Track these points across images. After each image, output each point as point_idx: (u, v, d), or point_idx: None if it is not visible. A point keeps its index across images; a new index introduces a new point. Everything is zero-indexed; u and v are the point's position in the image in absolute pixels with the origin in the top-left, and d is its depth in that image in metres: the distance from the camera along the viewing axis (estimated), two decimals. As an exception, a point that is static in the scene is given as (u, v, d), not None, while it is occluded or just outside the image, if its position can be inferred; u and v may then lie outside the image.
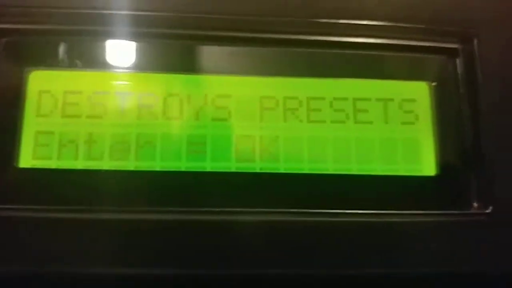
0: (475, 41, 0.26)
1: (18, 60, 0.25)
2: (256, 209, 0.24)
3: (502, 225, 0.24)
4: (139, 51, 0.26)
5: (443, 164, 0.26)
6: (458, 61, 0.26)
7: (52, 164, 0.24)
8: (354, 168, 0.25)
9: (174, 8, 0.25)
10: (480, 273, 0.24)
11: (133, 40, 0.26)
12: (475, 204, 0.25)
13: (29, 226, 0.23)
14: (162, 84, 0.26)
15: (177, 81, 0.26)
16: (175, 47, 0.26)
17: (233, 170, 0.25)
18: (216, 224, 0.23)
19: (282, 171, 0.25)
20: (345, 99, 0.26)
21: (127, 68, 0.26)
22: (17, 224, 0.23)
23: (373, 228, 0.23)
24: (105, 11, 0.25)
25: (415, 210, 0.24)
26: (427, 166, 0.26)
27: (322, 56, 0.27)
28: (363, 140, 0.26)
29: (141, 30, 0.26)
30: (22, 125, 0.24)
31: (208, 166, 0.25)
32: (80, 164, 0.24)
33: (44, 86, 0.25)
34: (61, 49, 0.26)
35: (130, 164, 0.24)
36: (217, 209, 0.24)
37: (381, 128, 0.26)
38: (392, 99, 0.26)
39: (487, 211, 0.24)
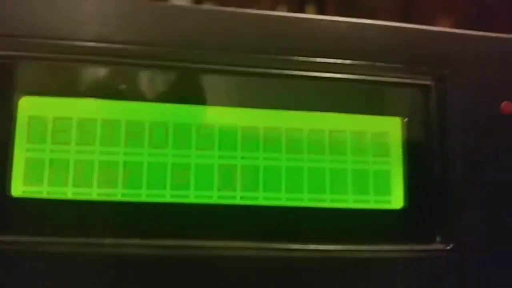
0: (447, 79, 0.28)
1: (9, 86, 0.26)
2: (231, 242, 0.25)
3: (461, 263, 0.26)
4: (128, 80, 0.27)
5: (410, 197, 0.27)
6: (430, 97, 0.28)
7: (43, 191, 0.25)
8: (328, 199, 0.27)
9: (158, 41, 0.26)
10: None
11: (121, 69, 0.27)
12: (438, 240, 0.26)
13: (20, 257, 0.24)
14: (148, 113, 0.27)
15: (162, 110, 0.27)
16: (162, 77, 0.27)
17: (214, 200, 0.26)
18: (193, 257, 0.25)
19: (261, 202, 0.26)
20: (322, 131, 0.28)
21: (115, 96, 0.27)
22: (9, 254, 0.24)
23: (340, 261, 0.25)
24: (92, 43, 0.26)
25: (382, 243, 0.26)
26: (396, 199, 0.27)
27: (302, 90, 0.28)
28: (337, 171, 0.27)
29: (129, 61, 0.27)
30: (13, 152, 0.25)
31: (192, 195, 0.26)
32: (69, 191, 0.25)
33: (34, 112, 0.26)
34: (52, 76, 0.26)
35: (118, 192, 0.26)
36: (193, 242, 0.25)
37: (355, 160, 0.28)
38: (365, 132, 0.28)
39: (448, 247, 0.26)
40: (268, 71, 0.27)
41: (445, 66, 0.28)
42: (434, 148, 0.27)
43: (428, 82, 0.28)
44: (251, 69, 0.27)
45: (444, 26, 0.98)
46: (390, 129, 0.28)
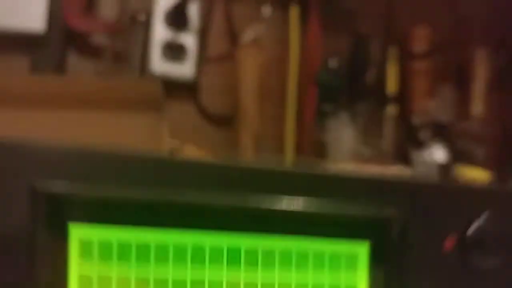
0: (410, 210, 0.29)
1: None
2: None
3: None
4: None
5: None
6: (393, 227, 0.30)
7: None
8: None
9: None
10: None
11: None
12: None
13: None
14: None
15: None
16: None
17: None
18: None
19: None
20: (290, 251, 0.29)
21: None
22: None
23: None
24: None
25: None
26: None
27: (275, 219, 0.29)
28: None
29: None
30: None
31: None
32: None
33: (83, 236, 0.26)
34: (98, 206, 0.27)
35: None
36: None
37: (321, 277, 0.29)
38: (335, 255, 0.29)
39: None
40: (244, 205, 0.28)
41: (406, 196, 0.29)
42: (396, 273, 0.29)
43: (390, 215, 0.29)
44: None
45: (421, 34, 1.02)
46: (359, 253, 0.30)
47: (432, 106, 1.05)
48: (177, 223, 0.26)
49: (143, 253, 0.26)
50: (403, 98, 1.03)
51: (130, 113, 0.87)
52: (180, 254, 0.26)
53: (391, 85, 1.00)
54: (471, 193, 0.28)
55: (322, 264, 0.28)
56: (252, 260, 0.27)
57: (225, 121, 1.02)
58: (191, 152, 1.01)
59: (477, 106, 1.05)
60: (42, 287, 0.23)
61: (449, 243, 0.27)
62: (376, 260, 0.28)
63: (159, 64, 0.94)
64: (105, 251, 0.26)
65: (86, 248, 0.25)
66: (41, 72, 0.90)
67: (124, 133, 0.87)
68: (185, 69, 0.97)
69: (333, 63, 0.98)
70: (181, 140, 0.98)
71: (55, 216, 0.24)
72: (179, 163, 0.26)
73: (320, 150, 1.00)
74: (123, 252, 0.26)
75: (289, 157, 1.00)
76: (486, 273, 0.27)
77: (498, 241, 0.26)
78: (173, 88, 0.94)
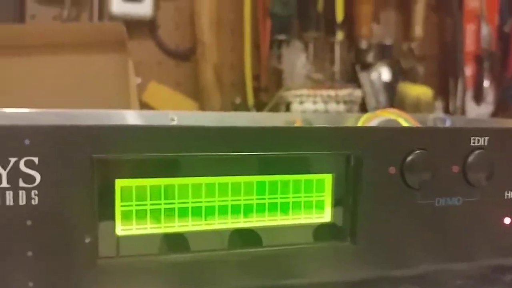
0: (362, 149, 0.35)
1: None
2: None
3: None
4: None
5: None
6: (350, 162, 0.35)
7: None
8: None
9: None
10: None
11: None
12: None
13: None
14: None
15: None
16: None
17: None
18: None
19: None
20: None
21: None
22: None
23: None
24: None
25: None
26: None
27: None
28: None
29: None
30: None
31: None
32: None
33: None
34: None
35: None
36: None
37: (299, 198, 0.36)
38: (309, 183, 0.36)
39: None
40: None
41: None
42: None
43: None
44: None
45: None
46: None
47: (377, 29, 1.12)
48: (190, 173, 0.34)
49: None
50: (350, 24, 1.09)
51: (97, 55, 0.90)
52: (196, 190, 0.34)
53: (339, 12, 1.06)
54: (406, 133, 0.36)
55: (299, 190, 0.37)
56: (250, 190, 0.36)
57: (185, 55, 1.07)
58: (155, 88, 1.07)
59: (418, 28, 1.13)
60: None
61: (391, 169, 0.36)
62: (339, 187, 0.37)
63: (118, 5, 0.97)
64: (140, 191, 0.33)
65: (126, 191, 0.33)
66: (1, 21, 0.91)
67: (92, 74, 0.91)
68: (143, 8, 1.00)
69: (284, -6, 1.03)
70: (144, 77, 1.03)
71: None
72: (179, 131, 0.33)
73: (277, 78, 1.07)
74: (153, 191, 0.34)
75: (248, 86, 1.06)
76: (419, 189, 0.36)
77: (426, 165, 0.36)
78: (133, 27, 0.97)
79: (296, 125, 0.65)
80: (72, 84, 0.90)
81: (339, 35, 1.08)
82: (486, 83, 1.16)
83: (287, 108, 0.98)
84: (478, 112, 1.16)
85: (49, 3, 0.94)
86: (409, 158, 0.35)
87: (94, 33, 0.91)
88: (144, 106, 1.00)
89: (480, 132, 0.38)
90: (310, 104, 0.99)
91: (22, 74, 0.90)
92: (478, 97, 1.17)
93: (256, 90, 1.07)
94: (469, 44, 1.15)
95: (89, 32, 0.91)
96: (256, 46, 1.07)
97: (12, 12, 0.94)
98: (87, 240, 0.30)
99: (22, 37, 0.88)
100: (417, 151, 0.35)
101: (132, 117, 0.62)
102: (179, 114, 0.60)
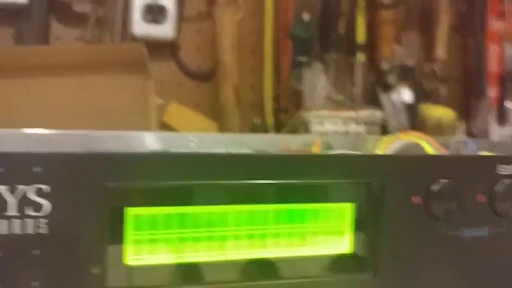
0: (384, 177, 0.34)
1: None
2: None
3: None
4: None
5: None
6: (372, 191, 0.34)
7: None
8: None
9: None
10: None
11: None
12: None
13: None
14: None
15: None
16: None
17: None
18: None
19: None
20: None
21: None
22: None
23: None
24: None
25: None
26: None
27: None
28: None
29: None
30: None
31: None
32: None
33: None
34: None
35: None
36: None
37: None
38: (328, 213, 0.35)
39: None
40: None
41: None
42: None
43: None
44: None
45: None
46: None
47: (399, 51, 1.11)
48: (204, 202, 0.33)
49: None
50: (371, 45, 1.08)
51: (117, 76, 0.91)
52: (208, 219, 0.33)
53: (360, 34, 1.05)
54: (430, 162, 0.35)
55: (318, 219, 0.36)
56: (267, 219, 0.35)
57: (206, 76, 1.07)
58: (176, 109, 1.07)
59: (440, 49, 1.12)
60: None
61: (415, 199, 0.35)
62: (360, 216, 0.36)
63: (140, 26, 0.97)
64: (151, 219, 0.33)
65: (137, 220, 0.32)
66: (27, 43, 0.92)
67: (112, 96, 0.91)
68: (165, 30, 1.00)
69: (305, 16, 1.03)
70: (165, 98, 1.03)
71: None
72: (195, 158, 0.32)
73: (297, 99, 1.06)
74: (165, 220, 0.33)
75: (268, 107, 1.06)
76: (444, 219, 0.35)
77: (451, 195, 0.35)
78: (154, 48, 0.98)
79: (315, 146, 0.64)
80: (93, 104, 0.90)
81: (360, 57, 1.07)
82: (509, 104, 1.14)
83: (306, 129, 0.97)
84: (501, 133, 1.14)
85: (73, 25, 0.96)
86: (434, 187, 0.34)
87: (115, 54, 0.91)
88: (164, 127, 1.00)
89: (507, 160, 0.36)
90: (330, 125, 0.98)
91: (43, 94, 0.90)
92: (501, 119, 1.14)
93: (276, 111, 1.07)
94: (492, 65, 1.13)
95: (110, 52, 0.92)
96: (276, 67, 1.06)
97: (37, 35, 0.95)
98: (96, 271, 0.29)
99: (45, 58, 0.89)
100: (442, 180, 0.34)
101: (151, 139, 0.61)
102: (199, 136, 0.59)
